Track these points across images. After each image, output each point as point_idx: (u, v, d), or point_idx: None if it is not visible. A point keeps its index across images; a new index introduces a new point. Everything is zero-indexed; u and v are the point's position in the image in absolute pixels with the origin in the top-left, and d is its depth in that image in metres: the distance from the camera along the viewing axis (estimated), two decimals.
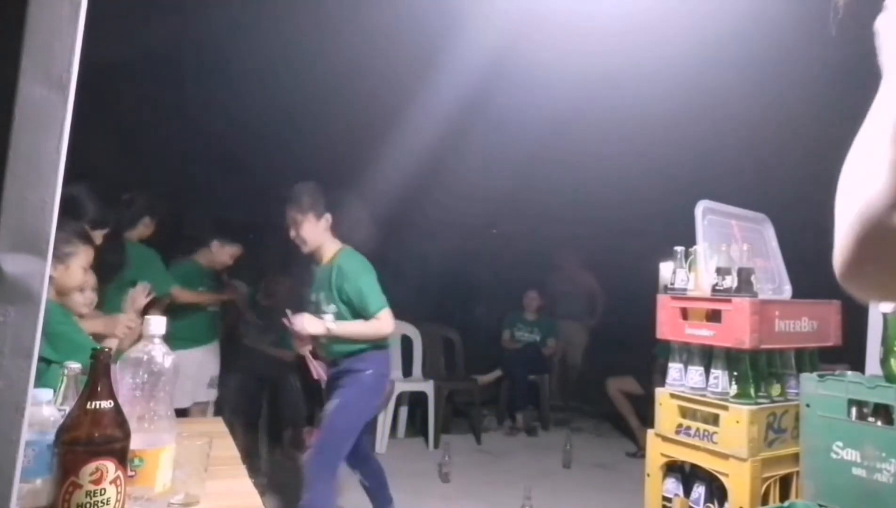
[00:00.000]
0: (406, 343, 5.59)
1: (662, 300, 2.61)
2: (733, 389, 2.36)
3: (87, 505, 1.01)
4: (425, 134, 4.59)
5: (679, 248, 2.59)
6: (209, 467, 1.35)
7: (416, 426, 5.54)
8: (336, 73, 4.20)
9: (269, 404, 4.65)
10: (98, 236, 2.62)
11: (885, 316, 2.11)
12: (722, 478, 2.34)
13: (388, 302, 2.92)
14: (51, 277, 0.81)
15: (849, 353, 2.62)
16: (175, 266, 3.87)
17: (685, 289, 2.56)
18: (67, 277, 2.18)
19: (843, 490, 2.02)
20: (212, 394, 4.06)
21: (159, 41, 4.07)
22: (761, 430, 2.30)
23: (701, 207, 2.55)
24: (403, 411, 5.48)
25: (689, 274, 2.57)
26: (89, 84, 1.00)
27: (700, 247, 2.54)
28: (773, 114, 4.10)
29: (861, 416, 2.04)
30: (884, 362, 2.11)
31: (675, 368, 2.57)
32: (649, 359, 4.65)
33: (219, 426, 2.05)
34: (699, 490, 2.48)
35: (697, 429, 2.42)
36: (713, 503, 2.42)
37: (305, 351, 3.08)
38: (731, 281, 2.39)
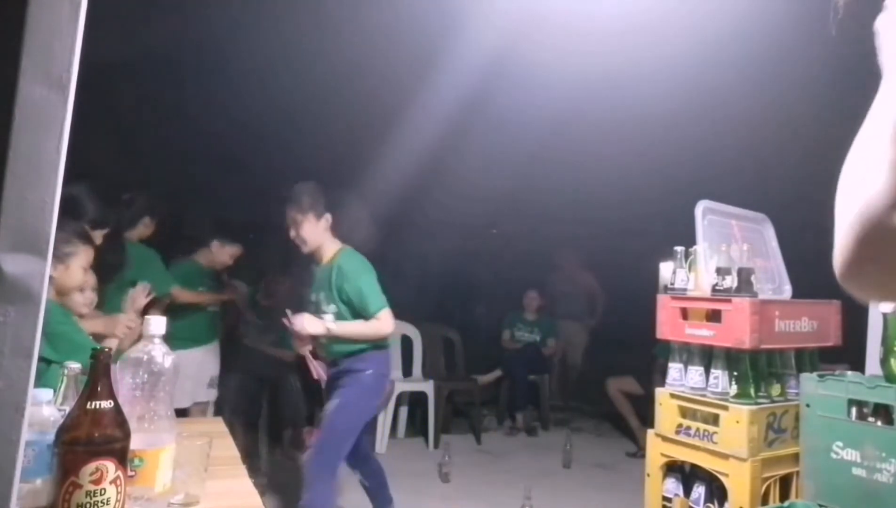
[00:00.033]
0: (406, 343, 5.59)
1: (662, 300, 2.61)
2: (733, 389, 2.36)
3: (87, 505, 1.01)
4: (425, 134, 4.59)
5: (679, 248, 2.59)
6: (209, 467, 1.35)
7: (416, 426, 5.54)
8: (336, 73, 4.20)
9: (268, 404, 4.65)
10: (98, 236, 2.62)
11: (885, 316, 2.11)
12: (722, 478, 2.34)
13: (389, 302, 2.92)
14: (51, 277, 0.81)
15: (849, 353, 2.62)
16: (175, 266, 3.87)
17: (685, 289, 2.56)
18: (67, 277, 2.18)
19: (843, 490, 2.02)
20: (212, 394, 4.06)
21: (159, 41, 4.07)
22: (761, 430, 2.30)
23: (701, 207, 2.55)
24: (403, 411, 5.48)
25: (689, 274, 2.57)
26: (89, 84, 1.00)
27: (700, 247, 2.54)
28: (773, 114, 4.10)
29: (861, 416, 2.04)
30: (884, 362, 2.11)
31: (675, 368, 2.57)
32: (649, 359, 4.65)
33: (219, 426, 2.05)
34: (699, 490, 2.48)
35: (697, 429, 2.42)
36: (713, 503, 2.42)
37: (305, 351, 3.08)
38: (731, 281, 2.39)
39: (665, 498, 2.57)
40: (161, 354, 1.26)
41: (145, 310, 2.65)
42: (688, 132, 4.45)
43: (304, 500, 2.79)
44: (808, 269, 2.73)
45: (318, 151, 5.02)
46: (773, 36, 3.31)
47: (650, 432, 2.64)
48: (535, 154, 5.35)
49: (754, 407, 2.31)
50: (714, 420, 2.38)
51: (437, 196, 5.96)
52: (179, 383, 3.90)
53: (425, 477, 4.45)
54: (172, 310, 3.66)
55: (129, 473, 1.11)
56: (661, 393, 2.59)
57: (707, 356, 2.47)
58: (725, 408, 2.34)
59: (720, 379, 2.38)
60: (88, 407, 1.04)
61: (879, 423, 1.99)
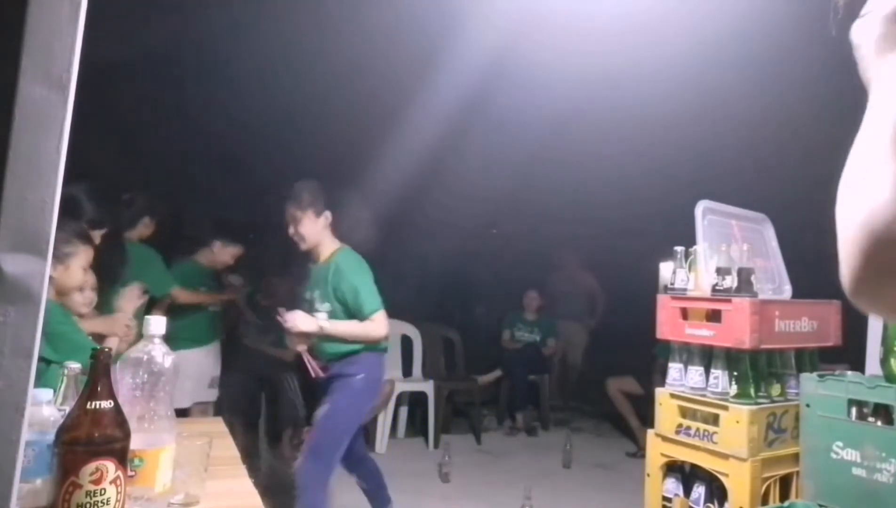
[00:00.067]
0: (406, 343, 5.59)
1: (662, 300, 2.61)
2: (733, 389, 2.36)
3: (87, 505, 1.01)
4: (425, 134, 4.59)
5: (679, 248, 2.59)
6: (209, 467, 1.35)
7: (416, 426, 5.54)
8: (336, 73, 4.21)
9: (268, 404, 4.65)
10: (97, 236, 2.62)
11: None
12: (722, 478, 2.34)
13: (388, 302, 2.90)
14: (51, 277, 0.81)
15: (849, 353, 2.62)
16: (176, 266, 3.87)
17: (685, 289, 2.56)
18: (67, 277, 2.18)
19: (843, 490, 2.02)
20: (213, 394, 4.06)
21: (159, 41, 4.07)
22: (761, 430, 2.30)
23: (701, 207, 2.55)
24: (403, 411, 5.48)
25: (689, 274, 2.57)
26: (89, 84, 1.00)
27: (700, 247, 2.54)
28: (773, 114, 4.10)
29: (861, 416, 2.04)
30: (884, 362, 2.11)
31: (675, 368, 2.57)
32: (649, 359, 4.65)
33: (219, 426, 2.05)
34: (699, 490, 2.48)
35: (697, 429, 2.42)
36: (713, 503, 2.42)
37: (302, 348, 3.04)
38: (731, 281, 2.39)
39: (665, 498, 2.57)
40: (161, 354, 1.26)
41: (148, 310, 2.65)
42: (688, 132, 4.45)
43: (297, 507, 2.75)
44: (808, 269, 2.73)
45: (318, 151, 5.02)
46: (773, 36, 3.31)
47: (650, 432, 2.64)
48: (535, 154, 5.36)
49: (754, 407, 2.31)
50: (714, 420, 2.38)
51: (437, 196, 5.97)
52: (180, 383, 3.89)
53: (425, 477, 4.45)
54: (173, 311, 3.66)
55: (129, 473, 1.11)
56: (661, 393, 2.59)
57: (707, 356, 2.47)
58: (725, 408, 2.34)
59: (720, 379, 2.38)
60: (88, 407, 1.04)
61: (879, 423, 1.99)
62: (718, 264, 2.47)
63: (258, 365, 4.57)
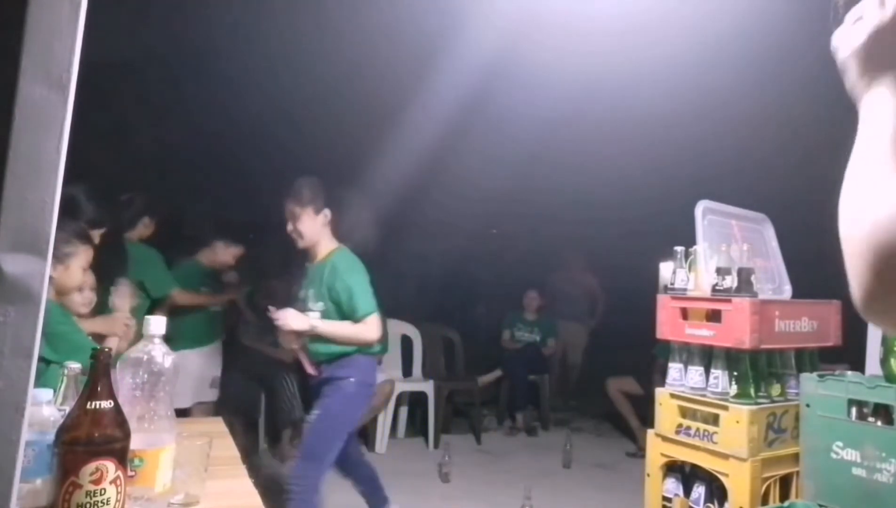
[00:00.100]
0: (406, 343, 5.59)
1: (662, 300, 2.61)
2: (733, 389, 2.36)
3: (87, 505, 1.01)
4: (425, 134, 4.59)
5: (679, 248, 2.59)
6: (209, 467, 1.35)
7: (416, 426, 5.54)
8: (336, 72, 4.21)
9: (267, 403, 4.65)
10: (96, 235, 2.62)
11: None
12: (722, 478, 2.34)
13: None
14: (50, 277, 0.81)
15: (849, 353, 2.62)
16: (177, 266, 3.87)
17: (685, 289, 2.56)
18: (67, 277, 2.18)
19: (843, 490, 2.02)
20: (214, 394, 4.06)
21: (159, 41, 4.08)
22: (761, 430, 2.30)
23: (701, 207, 2.55)
24: (403, 411, 5.48)
25: (689, 274, 2.57)
26: (89, 84, 1.00)
27: (700, 247, 2.54)
28: (773, 114, 4.10)
29: (861, 416, 2.04)
30: (884, 362, 2.12)
31: (675, 368, 2.57)
32: (649, 359, 4.65)
33: (219, 426, 2.05)
34: (699, 490, 2.48)
35: (697, 429, 2.42)
36: (713, 503, 2.42)
37: (294, 345, 2.98)
38: (731, 281, 2.39)
39: (665, 498, 2.57)
40: (161, 354, 1.26)
41: (150, 311, 2.65)
42: (688, 132, 4.46)
43: None
44: (808, 269, 2.74)
45: (317, 151, 5.02)
46: (773, 36, 3.32)
47: (650, 432, 2.64)
48: (535, 154, 5.36)
49: (754, 407, 2.31)
50: (714, 420, 2.38)
51: (437, 196, 5.97)
52: (182, 383, 3.90)
53: (425, 477, 4.45)
54: (176, 311, 3.67)
55: (129, 473, 1.11)
56: (661, 393, 2.59)
57: (707, 356, 2.47)
58: (725, 408, 2.34)
59: (720, 379, 2.38)
60: (88, 407, 1.04)
61: (879, 423, 1.99)
62: (718, 264, 2.47)
63: (257, 365, 4.57)
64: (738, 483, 2.27)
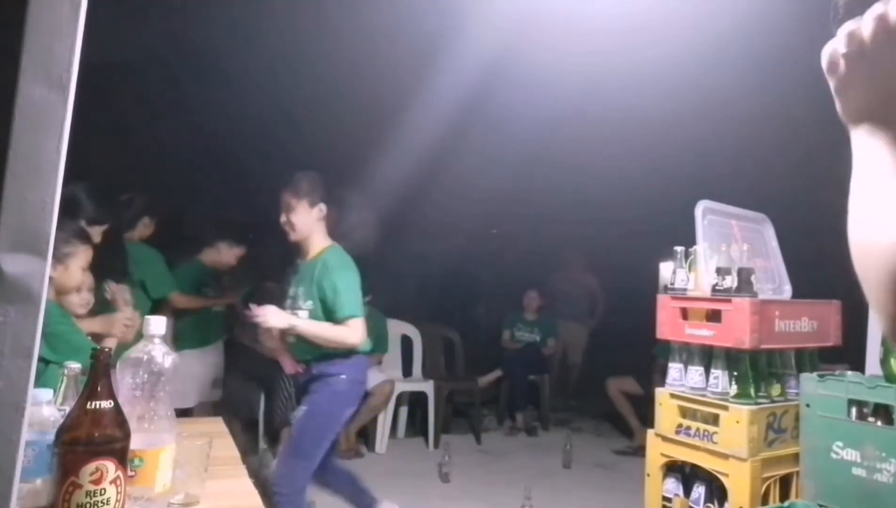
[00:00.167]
0: (406, 343, 5.59)
1: (662, 300, 2.61)
2: (733, 389, 2.36)
3: (87, 505, 1.01)
4: (426, 134, 4.59)
5: (679, 248, 2.59)
6: (209, 467, 1.35)
7: (416, 426, 5.54)
8: (336, 72, 4.21)
9: (266, 403, 4.65)
10: (96, 233, 2.62)
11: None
12: (722, 478, 2.34)
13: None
14: (50, 277, 0.81)
15: (849, 353, 2.62)
16: (180, 266, 3.87)
17: (685, 289, 2.56)
18: (66, 278, 2.18)
19: (843, 490, 2.02)
20: (216, 394, 4.06)
21: (159, 41, 4.08)
22: (761, 430, 2.30)
23: (701, 207, 2.55)
24: (403, 411, 5.48)
25: (689, 274, 2.57)
26: (89, 84, 1.00)
27: (700, 247, 2.54)
28: (773, 114, 4.10)
29: (861, 416, 2.04)
30: (884, 362, 2.12)
31: (675, 368, 2.57)
32: (649, 359, 4.65)
33: (219, 426, 2.05)
34: (699, 490, 2.48)
35: (697, 429, 2.42)
36: (713, 503, 2.42)
37: (274, 343, 2.91)
38: (731, 281, 2.39)
39: (665, 498, 2.57)
40: (161, 354, 1.26)
41: (152, 312, 2.64)
42: (688, 132, 4.46)
43: None
44: (808, 269, 2.74)
45: (317, 151, 5.02)
46: (773, 36, 3.32)
47: (650, 432, 2.64)
48: (535, 154, 5.36)
49: (754, 407, 2.31)
50: (714, 420, 2.38)
51: (437, 196, 5.97)
52: (185, 383, 3.89)
53: (425, 477, 4.45)
54: (179, 311, 3.67)
55: (129, 473, 1.11)
56: (661, 393, 2.59)
57: (707, 356, 2.47)
58: (725, 408, 2.34)
59: (720, 379, 2.38)
60: (88, 407, 1.04)
61: (879, 423, 1.99)
62: (718, 264, 2.47)
63: (257, 366, 4.57)
64: (738, 483, 2.27)
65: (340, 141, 5.12)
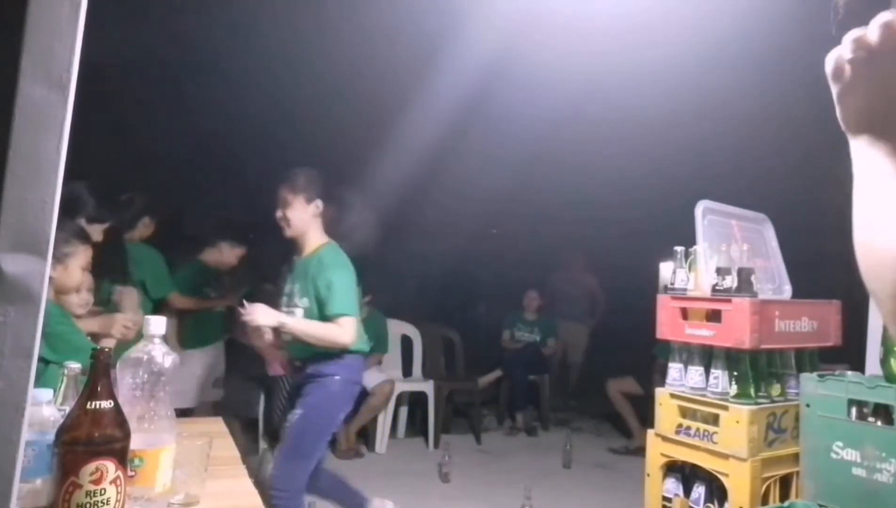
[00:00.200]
0: (406, 343, 5.59)
1: (662, 300, 2.61)
2: (733, 389, 2.36)
3: (87, 505, 1.01)
4: (426, 134, 4.60)
5: (679, 248, 2.59)
6: (209, 467, 1.35)
7: (416, 426, 5.54)
8: (336, 73, 4.21)
9: (266, 403, 4.65)
10: (95, 231, 2.62)
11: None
12: (722, 478, 2.34)
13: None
14: (50, 277, 0.81)
15: (849, 353, 2.62)
16: (181, 266, 3.87)
17: (685, 289, 2.56)
18: (66, 278, 2.18)
19: (843, 490, 2.02)
20: (218, 394, 4.06)
21: (159, 41, 4.08)
22: (761, 430, 2.30)
23: (701, 207, 2.55)
24: (403, 411, 5.48)
25: (689, 274, 2.57)
26: (89, 84, 1.00)
27: (700, 247, 2.54)
28: (773, 114, 4.10)
29: (861, 416, 2.04)
30: (884, 362, 2.11)
31: (675, 368, 2.56)
32: (649, 359, 4.65)
33: (219, 426, 2.05)
34: (699, 490, 2.48)
35: (697, 429, 2.42)
36: (713, 503, 2.42)
37: (262, 343, 2.85)
38: (731, 281, 2.39)
39: (665, 498, 2.57)
40: (161, 354, 1.26)
41: (154, 312, 2.63)
42: (688, 132, 4.46)
43: None
44: (808, 269, 2.74)
45: (318, 151, 5.01)
46: (773, 36, 3.32)
47: (650, 432, 2.64)
48: (535, 154, 5.36)
49: (754, 407, 2.31)
50: (714, 420, 2.38)
51: (437, 196, 5.97)
52: (187, 383, 3.89)
53: (425, 477, 4.45)
54: (181, 311, 3.67)
55: (129, 473, 1.11)
56: (661, 393, 2.59)
57: (707, 356, 2.47)
58: (725, 408, 2.34)
59: (720, 379, 2.38)
60: (88, 407, 1.04)
61: (879, 423, 1.99)
62: (718, 264, 2.47)
63: (256, 365, 4.57)
64: (738, 483, 2.27)
65: (340, 141, 5.12)
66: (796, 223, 3.10)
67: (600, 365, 6.02)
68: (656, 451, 2.59)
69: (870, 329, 2.38)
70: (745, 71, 3.87)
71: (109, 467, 1.03)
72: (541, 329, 6.33)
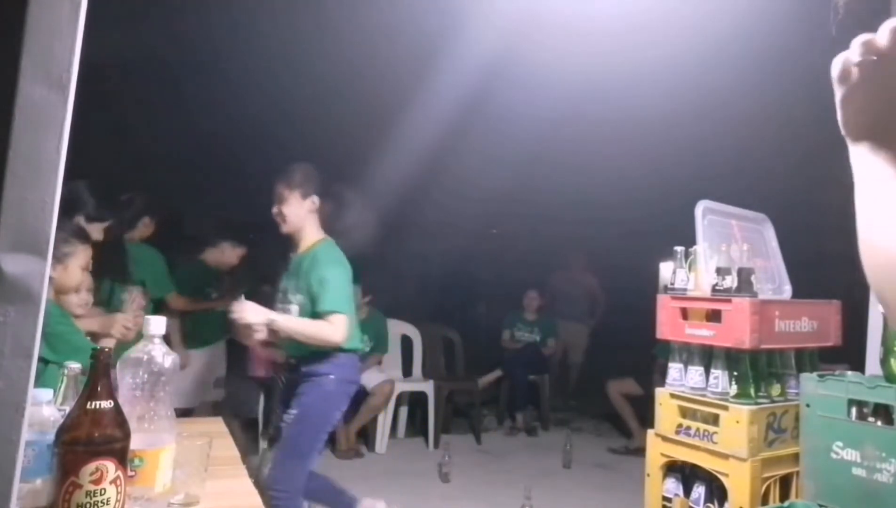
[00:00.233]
0: (406, 343, 5.59)
1: (662, 300, 2.61)
2: (733, 389, 2.36)
3: (87, 505, 1.01)
4: (426, 134, 4.60)
5: (679, 248, 2.59)
6: (209, 467, 1.35)
7: (416, 426, 5.54)
8: (336, 72, 4.21)
9: (266, 402, 4.65)
10: (96, 231, 2.62)
11: (885, 316, 2.11)
12: (722, 478, 2.34)
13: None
14: (50, 277, 0.81)
15: (849, 353, 2.62)
16: (182, 266, 3.87)
17: (685, 289, 2.56)
18: (66, 277, 2.18)
19: (843, 490, 2.02)
20: (219, 394, 4.06)
21: (159, 41, 4.08)
22: (761, 430, 2.30)
23: (701, 207, 2.55)
24: (403, 411, 5.48)
25: (689, 274, 2.57)
26: (89, 84, 1.00)
27: (700, 247, 2.54)
28: (773, 114, 4.11)
29: (861, 416, 2.04)
30: (884, 362, 2.11)
31: (675, 368, 2.56)
32: (649, 359, 4.65)
33: (219, 426, 2.05)
34: (699, 490, 2.47)
35: (697, 429, 2.42)
36: (713, 503, 2.42)
37: (252, 342, 2.80)
38: (731, 282, 2.39)
39: (665, 498, 2.57)
40: (161, 354, 1.26)
41: (155, 312, 2.63)
42: (688, 132, 4.46)
43: None
44: (808, 269, 2.74)
45: (318, 151, 5.01)
46: (773, 36, 3.32)
47: (650, 432, 2.64)
48: (535, 154, 5.37)
49: (754, 407, 2.31)
50: (714, 420, 2.38)
51: (437, 196, 5.98)
52: (188, 382, 3.89)
53: (425, 477, 4.45)
54: (182, 311, 3.68)
55: (129, 473, 1.11)
56: (661, 393, 2.59)
57: (707, 356, 2.47)
58: (725, 408, 2.34)
59: (720, 379, 2.38)
60: (88, 407, 1.04)
61: (879, 423, 1.99)
62: (718, 264, 2.47)
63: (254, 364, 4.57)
64: (738, 483, 2.27)
65: (340, 141, 5.12)
66: (796, 223, 3.10)
67: (600, 365, 6.02)
68: (656, 451, 2.59)
69: (870, 329, 2.38)
70: (745, 71, 3.88)
71: (109, 467, 1.03)
72: (541, 329, 6.33)
